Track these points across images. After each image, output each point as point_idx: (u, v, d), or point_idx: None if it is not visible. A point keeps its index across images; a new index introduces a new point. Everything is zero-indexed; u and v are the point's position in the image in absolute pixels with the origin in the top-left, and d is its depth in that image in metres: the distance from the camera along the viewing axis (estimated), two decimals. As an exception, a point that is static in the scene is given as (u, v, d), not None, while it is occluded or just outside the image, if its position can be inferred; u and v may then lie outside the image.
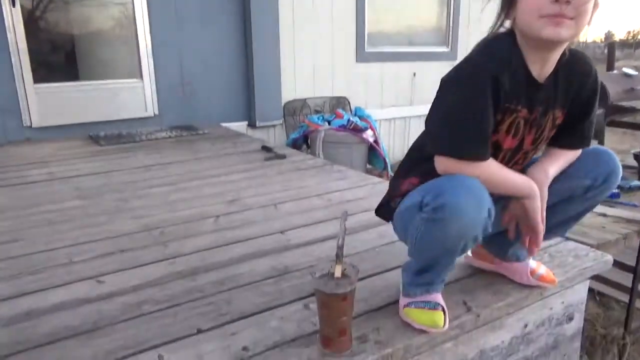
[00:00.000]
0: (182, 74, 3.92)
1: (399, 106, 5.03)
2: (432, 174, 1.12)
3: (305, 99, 4.46)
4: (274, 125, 4.36)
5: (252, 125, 4.26)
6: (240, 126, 4.18)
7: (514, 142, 1.15)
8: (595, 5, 1.01)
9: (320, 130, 3.99)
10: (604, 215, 1.99)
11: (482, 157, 1.08)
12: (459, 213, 1.01)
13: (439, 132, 1.12)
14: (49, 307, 1.31)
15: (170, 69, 3.88)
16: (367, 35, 4.74)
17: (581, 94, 1.15)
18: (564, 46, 1.08)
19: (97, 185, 2.49)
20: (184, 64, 3.92)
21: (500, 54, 1.07)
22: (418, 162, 1.22)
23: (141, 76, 3.81)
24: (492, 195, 1.06)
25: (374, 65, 4.84)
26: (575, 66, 1.13)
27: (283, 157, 3.07)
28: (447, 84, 1.09)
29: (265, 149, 3.27)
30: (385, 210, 1.30)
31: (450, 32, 5.31)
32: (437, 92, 1.11)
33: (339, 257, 1.08)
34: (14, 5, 3.29)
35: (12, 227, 1.93)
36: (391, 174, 3.79)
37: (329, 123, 4.12)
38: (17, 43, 3.34)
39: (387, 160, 4.17)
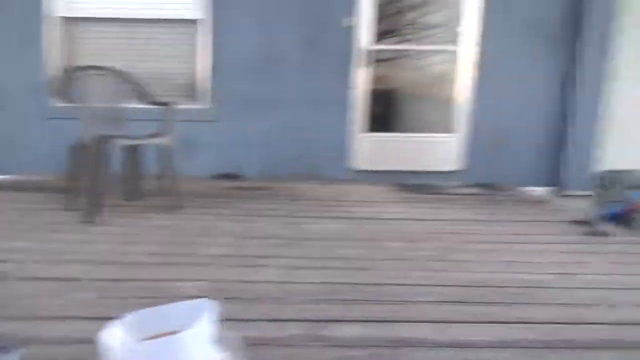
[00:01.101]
0: (492, 131, 3.95)
1: None
2: None
3: (626, 171, 3.93)
4: (582, 196, 3.96)
5: (558, 192, 3.98)
6: (543, 191, 3.95)
7: None
8: None
9: (643, 209, 3.44)
10: None
11: None
12: None
13: None
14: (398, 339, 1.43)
15: (483, 126, 3.95)
16: None
17: None
18: None
19: (415, 230, 2.68)
20: (497, 122, 3.95)
21: None
22: None
23: (453, 131, 4.01)
24: None
25: None
26: None
27: (606, 234, 2.75)
28: None
29: (579, 222, 2.98)
30: None
31: None
32: None
33: None
34: (366, 66, 3.92)
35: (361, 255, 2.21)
36: None
37: (655, 202, 3.52)
38: (357, 95, 3.94)
39: None
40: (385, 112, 4.42)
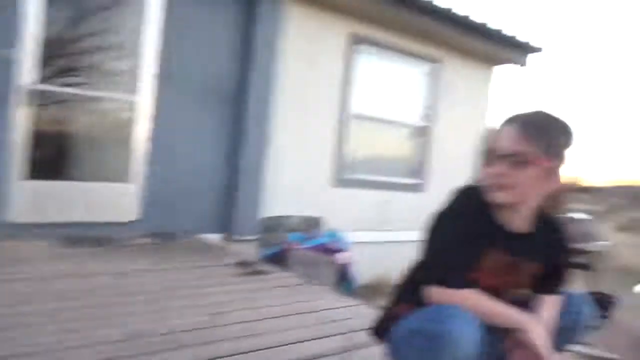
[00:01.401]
0: (168, 182, 4.06)
1: (372, 231, 5.26)
2: (425, 301, 1.26)
3: (282, 217, 4.63)
4: (249, 241, 4.45)
5: (228, 238, 4.34)
6: (216, 238, 4.26)
7: (493, 281, 1.31)
8: (545, 178, 1.26)
9: (295, 249, 4.11)
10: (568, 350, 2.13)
11: (462, 285, 1.24)
12: (454, 342, 1.13)
13: (430, 265, 1.30)
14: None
15: (159, 177, 4.01)
16: (346, 162, 5.12)
17: (554, 247, 1.37)
18: (520, 208, 1.30)
19: (75, 288, 2.47)
20: (172, 173, 4.08)
21: (474, 203, 1.30)
22: (412, 290, 1.37)
23: (130, 181, 3.93)
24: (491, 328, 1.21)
25: (350, 191, 5.15)
26: (550, 230, 1.37)
27: (264, 272, 3.13)
28: (438, 221, 1.30)
29: (244, 263, 3.33)
30: (380, 332, 1.41)
31: (424, 165, 5.77)
32: (429, 227, 1.30)
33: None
34: (29, 106, 3.47)
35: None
36: (357, 297, 3.86)
37: (304, 243, 4.26)
38: (14, 138, 3.45)
39: (356, 283, 4.27)
40: (56, 159, 4.01)
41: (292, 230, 4.67)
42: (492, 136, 1.34)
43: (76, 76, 3.91)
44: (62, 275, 2.67)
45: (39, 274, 2.65)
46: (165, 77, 3.98)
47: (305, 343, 1.94)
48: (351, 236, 4.77)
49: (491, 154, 1.27)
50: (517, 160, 1.23)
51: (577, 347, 2.35)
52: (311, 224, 4.81)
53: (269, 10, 4.32)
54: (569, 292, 1.42)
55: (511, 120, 1.30)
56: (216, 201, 4.34)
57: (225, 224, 4.37)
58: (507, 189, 1.24)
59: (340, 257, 4.24)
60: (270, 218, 4.60)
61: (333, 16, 4.83)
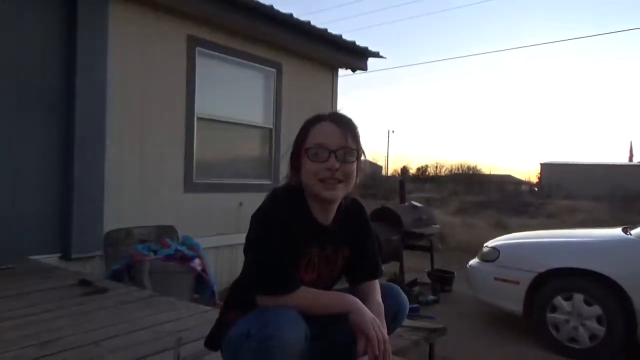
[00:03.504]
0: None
1: (227, 234, 5.21)
2: (252, 305, 1.30)
3: (129, 228, 4.35)
4: (92, 257, 4.11)
5: (66, 257, 3.96)
6: (52, 258, 3.85)
7: (313, 275, 1.40)
8: (360, 169, 1.39)
9: (145, 261, 3.89)
10: (402, 325, 2.36)
11: (290, 290, 1.29)
12: (283, 342, 1.18)
13: (254, 277, 1.33)
14: None
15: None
16: (195, 167, 4.99)
17: (357, 231, 1.49)
18: (339, 200, 1.41)
19: None
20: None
21: (290, 205, 1.35)
22: (240, 294, 1.40)
23: None
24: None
25: (202, 195, 5.04)
26: (350, 211, 1.48)
27: (105, 290, 2.92)
28: (257, 227, 1.34)
29: (84, 282, 3.07)
30: (214, 340, 1.41)
31: (272, 166, 5.88)
32: (250, 232, 1.36)
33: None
34: None
35: None
36: (219, 302, 3.81)
37: (155, 253, 4.05)
38: None
39: (215, 289, 4.20)
40: None
41: (143, 241, 4.42)
42: (310, 133, 1.38)
43: None
44: None
45: None
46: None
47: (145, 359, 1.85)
48: (206, 242, 4.68)
49: (321, 150, 1.32)
50: (347, 154, 1.33)
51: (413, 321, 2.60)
52: (162, 232, 4.60)
53: (90, 10, 3.99)
54: (385, 283, 1.55)
55: (324, 118, 1.38)
56: (49, 219, 3.91)
57: (63, 242, 3.97)
58: (341, 183, 1.32)
59: (196, 264, 4.12)
60: (116, 230, 4.29)
61: (170, 19, 4.67)
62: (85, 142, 4.01)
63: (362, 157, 1.39)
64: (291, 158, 1.41)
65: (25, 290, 2.86)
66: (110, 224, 4.21)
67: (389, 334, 1.47)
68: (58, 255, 3.93)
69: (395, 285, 1.55)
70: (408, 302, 1.52)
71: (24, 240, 3.76)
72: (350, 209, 1.47)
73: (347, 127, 1.36)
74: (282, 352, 1.18)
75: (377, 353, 1.27)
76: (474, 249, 5.21)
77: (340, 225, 1.43)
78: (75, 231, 3.96)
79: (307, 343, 1.24)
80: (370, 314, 1.30)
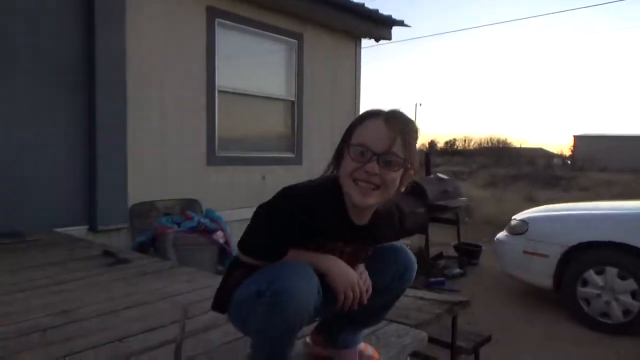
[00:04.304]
0: (9, 173, 3.62)
1: (249, 207, 5.19)
2: (255, 267, 1.28)
3: (154, 202, 4.39)
4: (118, 229, 4.17)
5: (93, 229, 4.02)
6: (79, 230, 3.92)
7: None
8: (406, 177, 1.27)
9: (169, 233, 3.92)
10: (422, 298, 2.29)
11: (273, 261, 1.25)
12: (295, 294, 1.15)
13: (242, 239, 1.32)
14: None
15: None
16: (218, 140, 4.97)
17: (386, 233, 1.42)
18: (375, 206, 1.31)
19: None
20: (11, 164, 3.64)
21: (323, 200, 1.26)
22: (240, 261, 1.37)
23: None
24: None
25: (225, 169, 5.03)
26: (384, 213, 1.36)
27: (127, 261, 2.95)
28: (258, 211, 1.30)
29: (107, 253, 3.11)
30: (220, 304, 1.39)
31: (295, 140, 5.81)
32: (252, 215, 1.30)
33: (177, 356, 1.10)
34: None
35: None
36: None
37: (179, 225, 4.09)
38: None
39: (238, 261, 4.21)
40: None
41: (167, 214, 4.46)
42: (359, 128, 1.25)
43: None
44: None
45: None
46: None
47: (160, 329, 1.85)
48: (229, 215, 4.69)
49: (364, 150, 1.21)
50: (391, 161, 1.21)
51: (437, 295, 2.54)
52: (186, 205, 4.63)
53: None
54: (390, 243, 1.47)
55: (379, 116, 1.24)
56: (75, 191, 3.97)
57: (90, 214, 4.03)
58: (378, 190, 1.23)
59: (219, 237, 4.14)
60: (140, 204, 4.34)
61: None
62: (107, 115, 4.02)
63: (410, 169, 1.26)
64: (337, 149, 1.29)
65: (49, 261, 2.91)
66: (134, 197, 4.25)
67: (398, 294, 1.46)
68: (85, 227, 4.00)
69: (402, 245, 1.47)
70: (416, 262, 1.44)
71: (52, 212, 3.83)
72: (384, 212, 1.36)
73: (399, 131, 1.22)
74: (296, 304, 1.15)
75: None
76: (503, 223, 5.07)
77: (373, 226, 1.35)
78: (100, 204, 4.01)
79: (320, 296, 1.22)
80: (345, 277, 1.27)
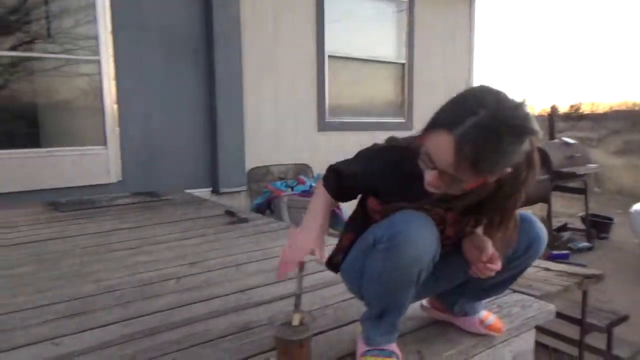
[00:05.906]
0: (146, 141, 4.00)
1: (359, 173, 5.22)
2: (364, 229, 1.26)
3: (268, 166, 4.58)
4: (238, 192, 4.43)
5: (216, 191, 4.32)
6: (204, 192, 4.24)
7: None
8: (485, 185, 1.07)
9: (283, 196, 4.08)
10: (548, 269, 2.12)
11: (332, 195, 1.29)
12: (414, 237, 1.10)
13: (335, 163, 1.33)
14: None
15: (135, 136, 3.96)
16: (328, 106, 5.01)
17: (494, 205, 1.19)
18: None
19: (55, 249, 2.46)
20: (149, 131, 4.01)
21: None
22: (354, 220, 1.34)
23: (105, 143, 3.86)
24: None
25: (335, 134, 5.07)
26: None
27: (246, 221, 3.12)
28: (360, 150, 1.31)
29: (229, 213, 3.32)
30: (335, 263, 1.40)
31: (406, 104, 5.66)
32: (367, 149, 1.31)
33: (297, 307, 1.13)
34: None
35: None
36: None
37: (292, 189, 4.23)
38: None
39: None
40: (22, 127, 3.91)
41: (281, 178, 4.65)
42: (431, 140, 1.03)
43: (33, 42, 3.76)
44: (44, 239, 2.66)
45: (20, 239, 2.65)
46: (122, 32, 3.83)
47: (278, 284, 1.93)
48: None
49: (428, 159, 1.04)
50: (452, 181, 1.04)
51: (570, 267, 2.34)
52: (298, 170, 4.77)
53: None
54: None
55: (451, 132, 0.98)
56: (200, 156, 4.29)
57: (213, 178, 4.34)
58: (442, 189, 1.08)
59: (329, 201, 4.22)
60: (257, 168, 4.56)
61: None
62: (225, 83, 4.23)
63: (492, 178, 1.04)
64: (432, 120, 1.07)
65: (180, 218, 3.19)
66: (251, 162, 4.48)
67: (522, 269, 1.34)
68: (209, 189, 4.31)
69: (529, 214, 1.33)
70: (545, 233, 1.31)
71: (182, 176, 4.20)
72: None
73: (468, 159, 0.97)
74: (414, 249, 1.10)
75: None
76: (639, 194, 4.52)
77: (469, 194, 1.13)
78: (221, 168, 4.29)
79: (439, 246, 1.14)
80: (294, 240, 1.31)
